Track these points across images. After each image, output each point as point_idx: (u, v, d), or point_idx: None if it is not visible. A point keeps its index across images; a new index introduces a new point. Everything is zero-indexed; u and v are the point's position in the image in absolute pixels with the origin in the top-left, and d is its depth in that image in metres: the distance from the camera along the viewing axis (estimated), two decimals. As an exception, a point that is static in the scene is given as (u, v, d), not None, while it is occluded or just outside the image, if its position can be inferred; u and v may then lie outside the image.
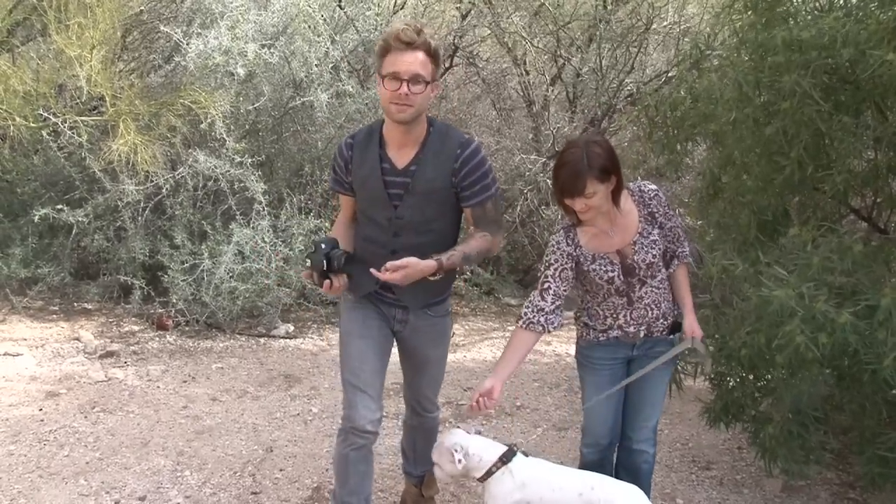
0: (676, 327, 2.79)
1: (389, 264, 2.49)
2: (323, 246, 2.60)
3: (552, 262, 2.72)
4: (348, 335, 2.85)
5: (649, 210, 2.72)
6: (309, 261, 2.65)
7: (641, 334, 2.77)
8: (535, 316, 2.71)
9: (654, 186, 2.74)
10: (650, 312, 2.75)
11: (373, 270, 2.51)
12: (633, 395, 2.85)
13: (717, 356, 3.63)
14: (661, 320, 2.77)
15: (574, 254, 2.71)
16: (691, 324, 2.74)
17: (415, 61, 2.49)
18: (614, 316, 2.77)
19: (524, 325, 2.72)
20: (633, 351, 2.82)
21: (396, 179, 2.65)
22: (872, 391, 3.11)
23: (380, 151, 2.66)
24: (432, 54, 2.54)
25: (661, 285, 2.76)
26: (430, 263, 2.54)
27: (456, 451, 2.74)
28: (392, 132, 2.65)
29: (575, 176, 2.51)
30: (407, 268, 2.49)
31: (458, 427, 2.89)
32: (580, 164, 2.50)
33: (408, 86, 2.49)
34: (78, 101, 5.96)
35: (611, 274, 2.70)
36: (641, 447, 2.88)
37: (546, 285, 2.72)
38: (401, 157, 2.65)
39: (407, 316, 2.84)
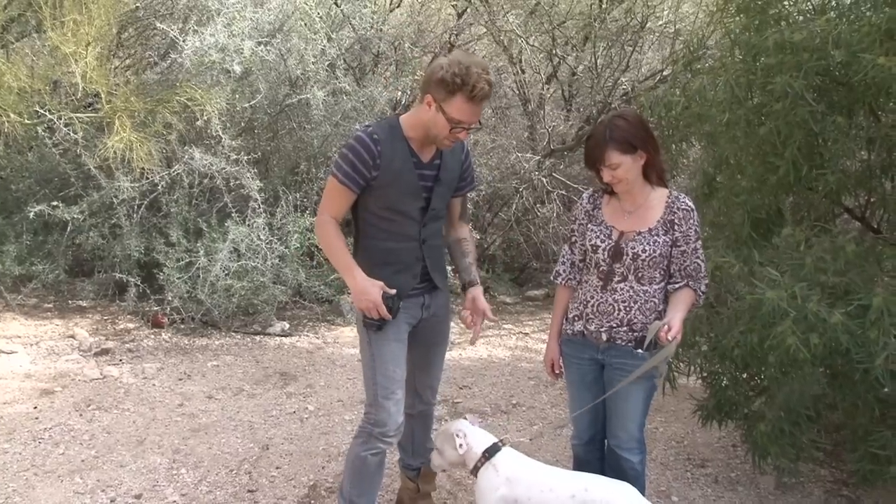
0: (644, 343, 2.72)
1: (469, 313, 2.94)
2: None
3: (576, 216, 2.92)
4: (382, 338, 2.84)
5: (672, 218, 2.73)
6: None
7: (603, 337, 2.78)
8: (567, 271, 2.94)
9: (691, 205, 2.76)
10: (616, 311, 2.75)
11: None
12: (608, 402, 2.86)
13: (711, 355, 3.66)
14: (626, 328, 2.75)
15: (592, 213, 2.85)
16: (673, 321, 2.63)
17: (480, 111, 2.67)
18: (585, 302, 2.83)
19: (563, 283, 2.95)
20: (599, 355, 2.83)
21: (426, 172, 2.79)
22: (865, 390, 3.13)
23: (408, 146, 2.77)
24: None
25: (643, 295, 2.74)
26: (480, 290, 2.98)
27: (458, 435, 2.83)
28: (419, 133, 2.75)
29: (595, 145, 2.67)
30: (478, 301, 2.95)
31: (464, 417, 2.95)
32: (602, 135, 2.65)
33: (468, 130, 2.69)
34: (73, 97, 5.96)
35: (600, 243, 2.76)
36: (624, 454, 2.85)
37: (573, 238, 2.93)
38: (425, 152, 2.80)
39: (431, 298, 2.96)
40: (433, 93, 2.61)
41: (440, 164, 2.82)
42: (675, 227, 2.72)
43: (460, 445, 2.82)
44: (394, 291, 2.71)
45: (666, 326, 2.60)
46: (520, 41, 7.57)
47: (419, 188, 2.77)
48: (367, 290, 2.67)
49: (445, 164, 2.83)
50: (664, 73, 7.15)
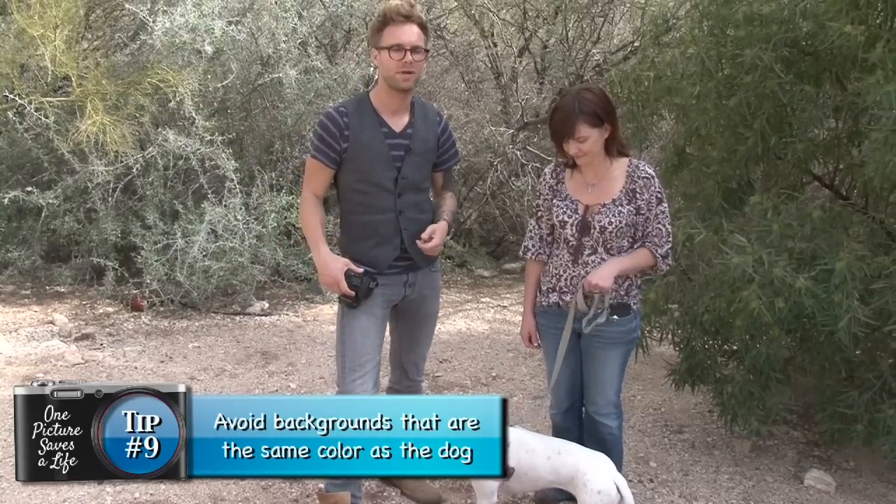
0: (620, 309, 2.80)
1: (424, 235, 2.79)
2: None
3: (540, 192, 2.96)
4: (353, 312, 2.87)
5: (633, 187, 2.77)
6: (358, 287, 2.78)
7: (579, 306, 2.84)
8: (536, 246, 2.98)
9: (651, 172, 2.80)
10: None
11: (418, 243, 2.79)
12: (584, 369, 2.93)
13: (683, 321, 3.74)
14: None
15: (556, 188, 2.89)
16: (603, 273, 2.71)
17: (413, 33, 2.72)
18: (558, 276, 2.88)
19: (533, 257, 2.99)
20: (574, 323, 2.87)
21: (397, 142, 2.82)
22: (831, 352, 3.23)
23: (377, 117, 2.81)
24: (424, 27, 2.76)
25: None
26: (444, 225, 2.86)
27: None
28: (388, 100, 2.82)
29: (565, 119, 2.69)
30: (436, 233, 2.81)
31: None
32: (571, 108, 2.67)
33: (411, 55, 2.70)
34: (43, 81, 5.89)
35: (567, 218, 2.82)
36: (602, 420, 2.94)
37: (539, 214, 2.97)
38: (396, 122, 2.83)
39: (416, 277, 2.96)
40: (373, 44, 2.77)
41: (412, 133, 2.84)
42: (638, 196, 2.78)
43: None
44: (361, 270, 2.76)
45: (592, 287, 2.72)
46: (491, 14, 7.56)
47: (390, 157, 2.80)
48: (328, 265, 2.75)
49: (418, 133, 2.85)
50: (635, 44, 7.17)
